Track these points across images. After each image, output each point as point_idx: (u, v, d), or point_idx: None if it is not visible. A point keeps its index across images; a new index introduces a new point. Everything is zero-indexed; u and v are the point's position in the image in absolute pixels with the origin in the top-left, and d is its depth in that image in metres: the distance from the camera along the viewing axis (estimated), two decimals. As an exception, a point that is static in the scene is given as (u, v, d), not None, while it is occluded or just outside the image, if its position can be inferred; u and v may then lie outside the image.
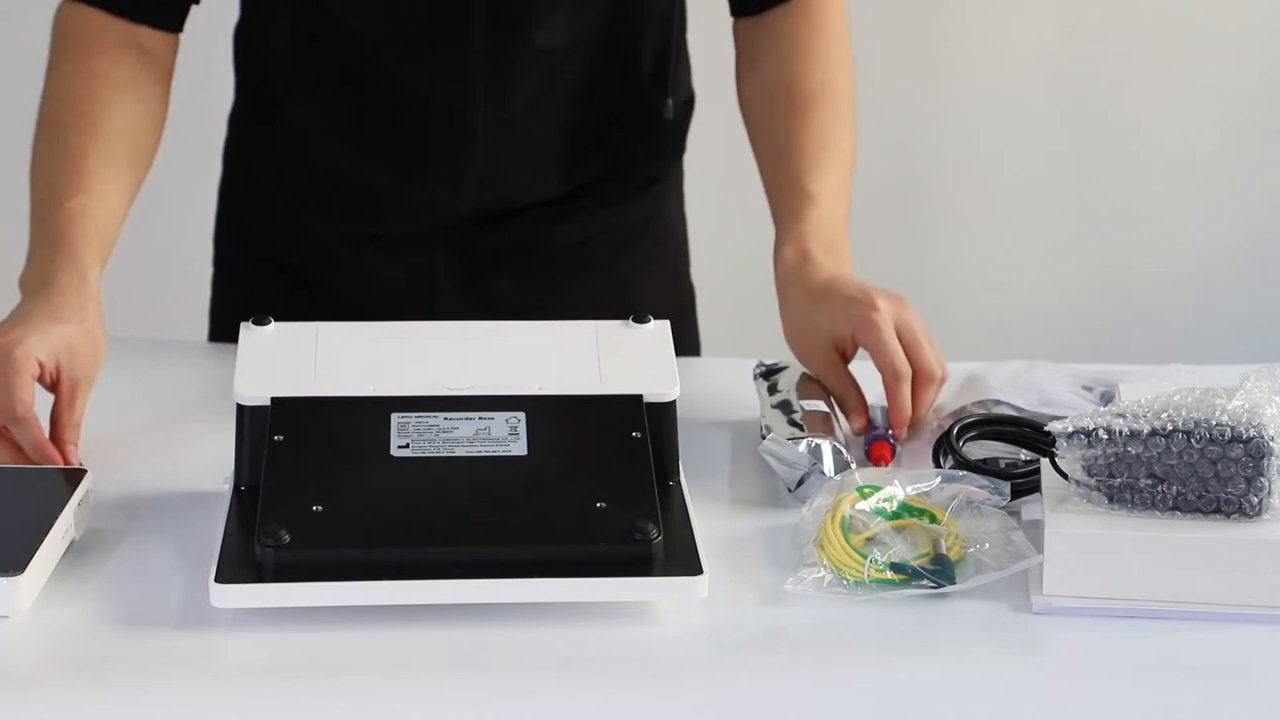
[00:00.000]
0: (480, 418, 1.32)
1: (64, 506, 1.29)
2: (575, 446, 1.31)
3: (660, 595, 1.23)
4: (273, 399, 1.32)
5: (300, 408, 1.32)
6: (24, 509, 1.29)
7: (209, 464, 1.42)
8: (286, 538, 1.21)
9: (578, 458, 1.30)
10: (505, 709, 1.15)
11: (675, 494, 1.32)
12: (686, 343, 1.88)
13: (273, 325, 1.39)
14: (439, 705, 1.15)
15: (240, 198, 1.82)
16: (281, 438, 1.30)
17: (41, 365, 1.39)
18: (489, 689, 1.16)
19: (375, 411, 1.32)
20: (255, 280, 1.81)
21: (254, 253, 1.81)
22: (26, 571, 1.22)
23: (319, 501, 1.24)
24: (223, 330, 1.83)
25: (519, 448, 1.30)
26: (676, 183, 1.87)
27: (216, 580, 1.20)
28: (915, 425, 1.49)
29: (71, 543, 1.30)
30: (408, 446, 1.29)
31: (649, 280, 1.80)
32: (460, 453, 1.29)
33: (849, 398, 1.50)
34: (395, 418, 1.31)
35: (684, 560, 1.23)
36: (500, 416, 1.32)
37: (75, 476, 1.33)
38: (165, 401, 1.59)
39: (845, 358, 1.52)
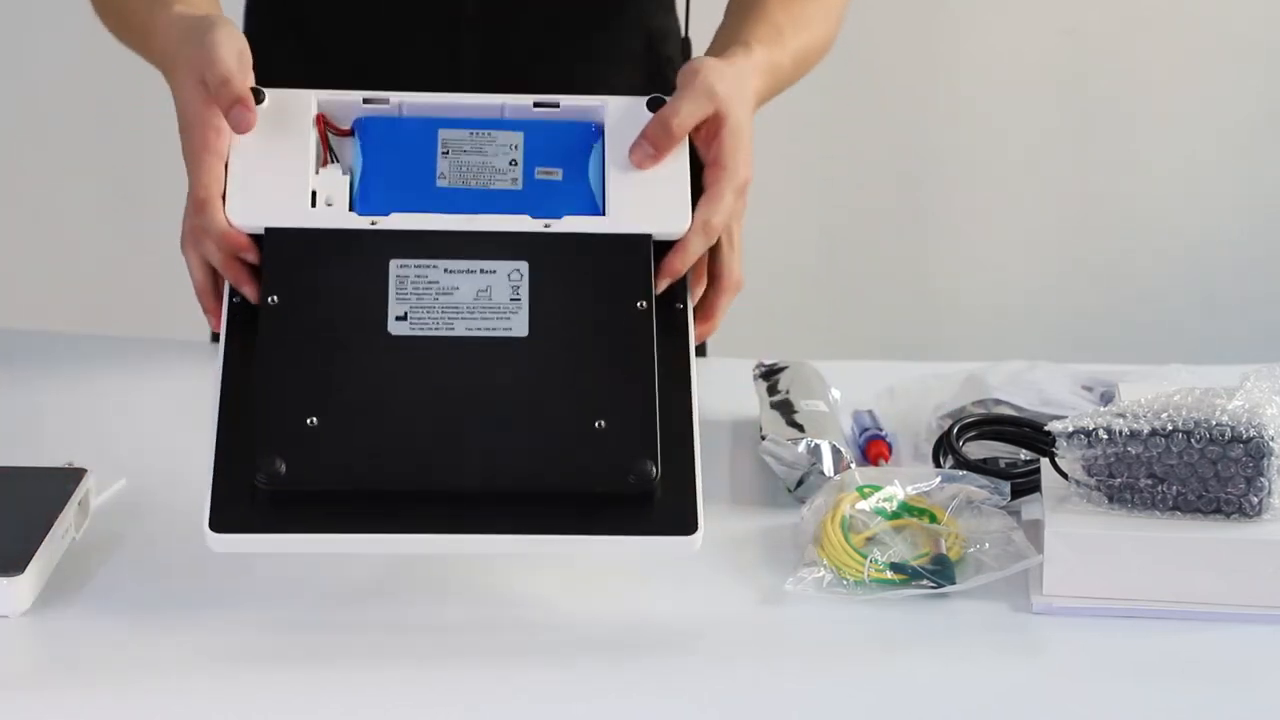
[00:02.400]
0: (482, 271, 1.27)
1: (64, 506, 1.29)
2: (578, 326, 1.25)
3: (651, 552, 1.22)
4: (266, 229, 1.27)
5: (295, 241, 1.26)
6: (24, 509, 1.29)
7: (209, 463, 1.42)
8: (282, 468, 1.18)
9: (579, 347, 1.24)
10: (505, 709, 1.15)
11: (677, 369, 1.26)
12: None
13: (266, 97, 1.32)
14: (439, 703, 1.15)
15: None
16: (276, 299, 1.24)
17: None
18: (484, 681, 1.16)
19: (373, 256, 1.26)
20: None
21: None
22: (26, 571, 1.22)
23: (314, 412, 1.20)
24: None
25: (519, 323, 1.25)
26: None
27: (211, 528, 1.18)
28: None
29: (71, 543, 1.30)
30: (406, 318, 1.25)
31: None
32: (460, 329, 1.24)
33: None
34: (394, 267, 1.26)
35: (678, 513, 1.20)
36: (502, 271, 1.26)
37: (75, 476, 1.33)
38: (165, 401, 1.59)
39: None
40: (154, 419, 1.55)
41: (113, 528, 1.34)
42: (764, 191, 3.15)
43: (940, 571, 1.26)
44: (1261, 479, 1.23)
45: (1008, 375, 1.55)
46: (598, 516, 1.19)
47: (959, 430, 1.42)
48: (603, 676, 1.18)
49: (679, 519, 1.20)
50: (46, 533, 1.26)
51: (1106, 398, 1.51)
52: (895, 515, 1.31)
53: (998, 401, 1.51)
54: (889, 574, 1.26)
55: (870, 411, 1.53)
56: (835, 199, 3.11)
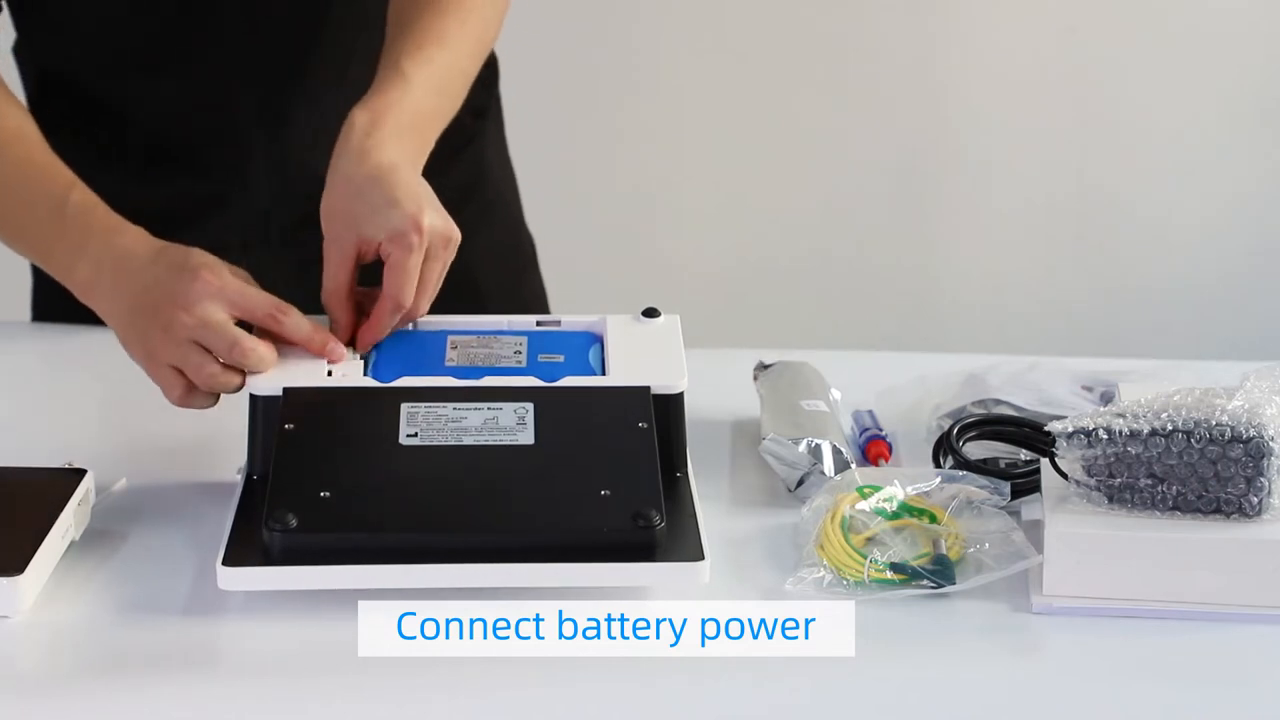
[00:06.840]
0: (489, 408, 1.32)
1: (64, 506, 1.29)
2: (582, 436, 1.31)
3: (661, 580, 1.23)
4: (284, 389, 1.33)
5: (311, 398, 1.33)
6: (24, 509, 1.29)
7: (210, 464, 1.42)
8: (294, 522, 1.21)
9: (584, 447, 1.30)
10: (503, 708, 1.15)
11: (682, 484, 1.33)
12: (532, 292, 1.89)
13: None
14: (441, 694, 1.15)
15: None
16: (292, 426, 1.30)
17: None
18: (488, 685, 1.17)
19: (385, 402, 1.32)
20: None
21: None
22: (26, 571, 1.22)
23: (327, 488, 1.25)
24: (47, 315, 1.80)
25: (526, 437, 1.30)
26: (495, 137, 1.86)
27: (224, 563, 1.21)
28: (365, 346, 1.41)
29: (71, 543, 1.30)
30: (416, 435, 1.30)
31: (484, 240, 1.75)
32: (468, 441, 1.30)
33: (334, 308, 1.40)
34: (405, 407, 1.32)
35: (686, 547, 1.24)
36: (509, 407, 1.32)
37: (75, 476, 1.33)
38: (165, 401, 1.58)
39: (362, 258, 1.40)
40: (154, 419, 1.55)
41: (113, 528, 1.35)
42: (766, 190, 3.17)
43: (940, 571, 1.26)
44: (1261, 479, 1.23)
45: (1008, 375, 1.55)
46: (610, 552, 1.22)
47: (959, 430, 1.42)
48: (603, 675, 1.18)
49: (688, 550, 1.24)
50: (46, 533, 1.26)
51: (1106, 398, 1.51)
52: (895, 515, 1.31)
53: (998, 401, 1.51)
54: (889, 574, 1.26)
55: (870, 411, 1.53)
56: (835, 198, 3.11)
